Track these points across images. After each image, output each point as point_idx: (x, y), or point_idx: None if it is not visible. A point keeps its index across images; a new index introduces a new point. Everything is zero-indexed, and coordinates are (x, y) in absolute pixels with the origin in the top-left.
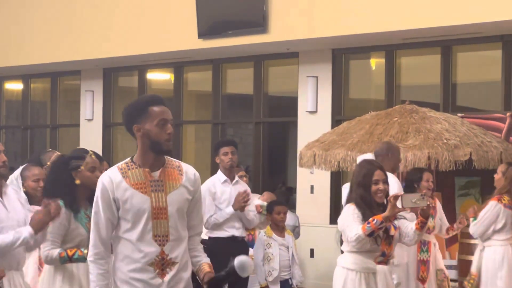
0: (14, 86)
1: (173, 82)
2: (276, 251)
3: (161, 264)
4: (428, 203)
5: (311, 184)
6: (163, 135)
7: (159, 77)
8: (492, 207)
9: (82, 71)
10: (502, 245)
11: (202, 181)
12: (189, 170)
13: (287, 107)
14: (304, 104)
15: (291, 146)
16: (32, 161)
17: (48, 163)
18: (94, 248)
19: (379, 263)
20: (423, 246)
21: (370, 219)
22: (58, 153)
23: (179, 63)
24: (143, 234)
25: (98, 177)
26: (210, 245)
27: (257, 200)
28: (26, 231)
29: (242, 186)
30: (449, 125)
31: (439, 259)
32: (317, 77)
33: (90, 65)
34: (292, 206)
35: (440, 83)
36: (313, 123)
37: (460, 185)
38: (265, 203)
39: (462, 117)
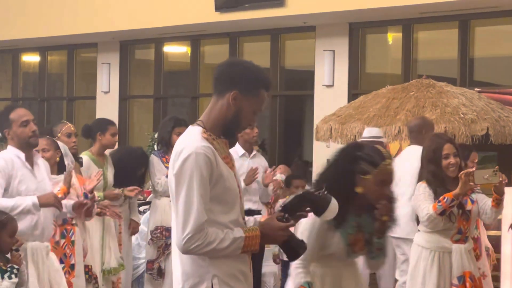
0: (31, 58)
1: (189, 55)
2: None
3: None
4: (501, 179)
5: (327, 158)
6: (247, 123)
7: (176, 50)
8: None
9: (98, 44)
10: None
11: None
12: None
13: (303, 80)
14: (320, 77)
15: (307, 119)
16: (44, 133)
17: (59, 134)
18: (198, 222)
19: (456, 241)
20: None
21: (441, 198)
22: (70, 124)
23: (195, 36)
24: (238, 217)
25: (382, 192)
26: None
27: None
28: (31, 200)
29: (260, 159)
30: (466, 99)
31: (484, 236)
32: (334, 51)
33: (107, 38)
34: (308, 180)
35: (457, 58)
36: (329, 96)
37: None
38: (283, 176)
39: (479, 91)
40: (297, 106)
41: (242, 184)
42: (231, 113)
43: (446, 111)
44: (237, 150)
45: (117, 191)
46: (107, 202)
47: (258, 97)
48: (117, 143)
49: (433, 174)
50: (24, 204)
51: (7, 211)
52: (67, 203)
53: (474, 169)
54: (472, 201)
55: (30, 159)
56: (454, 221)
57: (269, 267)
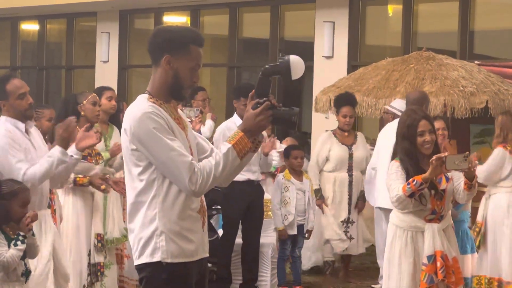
0: (30, 27)
1: (189, 25)
2: (293, 195)
3: (203, 211)
4: (470, 165)
5: (326, 129)
6: (190, 81)
7: (175, 20)
8: (497, 153)
9: (98, 13)
10: (508, 192)
11: (218, 125)
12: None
13: (303, 52)
14: (320, 49)
15: (306, 91)
16: (68, 100)
17: (84, 102)
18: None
19: (430, 221)
20: None
21: (410, 180)
22: (94, 94)
23: (195, 6)
24: None
25: None
26: (226, 188)
27: (280, 145)
28: (56, 150)
29: None
30: (466, 72)
31: None
32: (333, 22)
33: (106, 7)
34: (307, 151)
35: (457, 31)
36: (329, 68)
37: (475, 132)
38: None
39: (479, 64)
40: (297, 80)
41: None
42: (170, 77)
43: (446, 84)
44: (235, 121)
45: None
46: (118, 178)
47: (190, 54)
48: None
49: (407, 151)
50: (55, 158)
51: (48, 172)
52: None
53: (446, 154)
54: (447, 179)
55: (26, 129)
56: (425, 203)
57: (268, 238)
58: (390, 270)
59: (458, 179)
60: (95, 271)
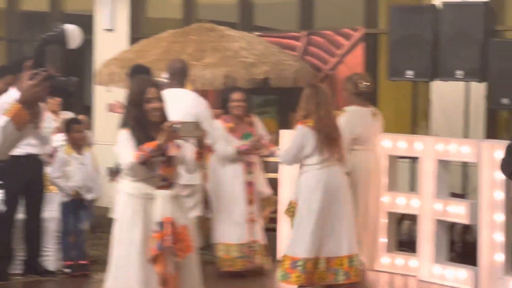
0: None
1: None
2: (76, 169)
3: None
4: (203, 133)
5: (108, 102)
6: None
7: None
8: (298, 132)
9: None
10: (317, 169)
11: None
12: None
13: (83, 24)
14: (100, 22)
15: (86, 64)
16: None
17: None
18: None
19: (161, 187)
20: (249, 167)
21: (144, 146)
22: None
23: None
24: None
25: None
26: (4, 163)
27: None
28: None
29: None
30: (247, 43)
31: (261, 181)
32: None
33: None
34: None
35: (237, 2)
36: (110, 41)
37: (257, 103)
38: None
39: (259, 35)
40: (76, 50)
41: None
42: None
43: (227, 55)
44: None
45: None
46: None
47: None
48: None
49: (136, 118)
50: None
51: None
52: None
53: (180, 120)
54: (177, 146)
55: None
56: (156, 169)
57: (51, 213)
58: (121, 236)
59: (187, 149)
60: None
